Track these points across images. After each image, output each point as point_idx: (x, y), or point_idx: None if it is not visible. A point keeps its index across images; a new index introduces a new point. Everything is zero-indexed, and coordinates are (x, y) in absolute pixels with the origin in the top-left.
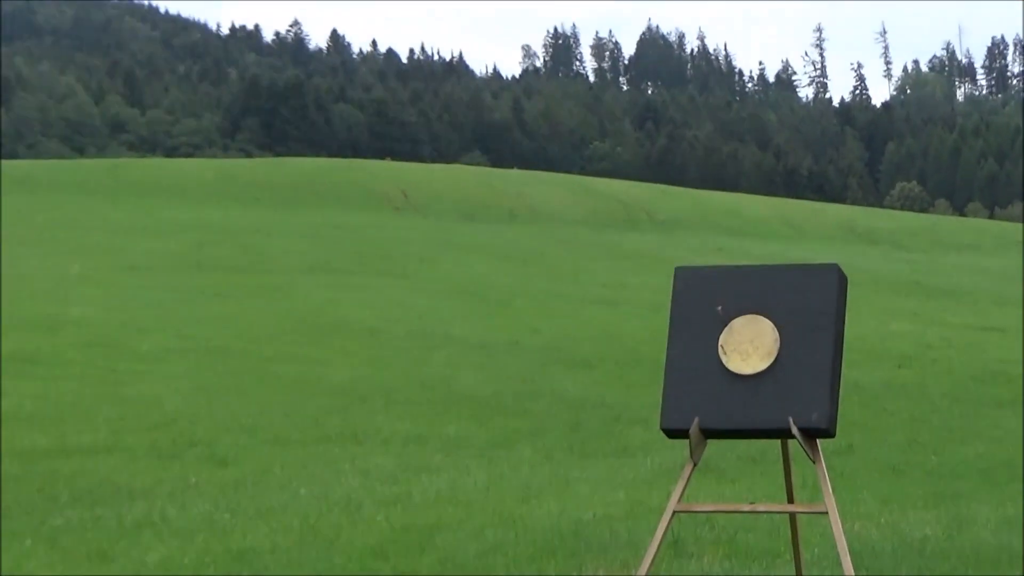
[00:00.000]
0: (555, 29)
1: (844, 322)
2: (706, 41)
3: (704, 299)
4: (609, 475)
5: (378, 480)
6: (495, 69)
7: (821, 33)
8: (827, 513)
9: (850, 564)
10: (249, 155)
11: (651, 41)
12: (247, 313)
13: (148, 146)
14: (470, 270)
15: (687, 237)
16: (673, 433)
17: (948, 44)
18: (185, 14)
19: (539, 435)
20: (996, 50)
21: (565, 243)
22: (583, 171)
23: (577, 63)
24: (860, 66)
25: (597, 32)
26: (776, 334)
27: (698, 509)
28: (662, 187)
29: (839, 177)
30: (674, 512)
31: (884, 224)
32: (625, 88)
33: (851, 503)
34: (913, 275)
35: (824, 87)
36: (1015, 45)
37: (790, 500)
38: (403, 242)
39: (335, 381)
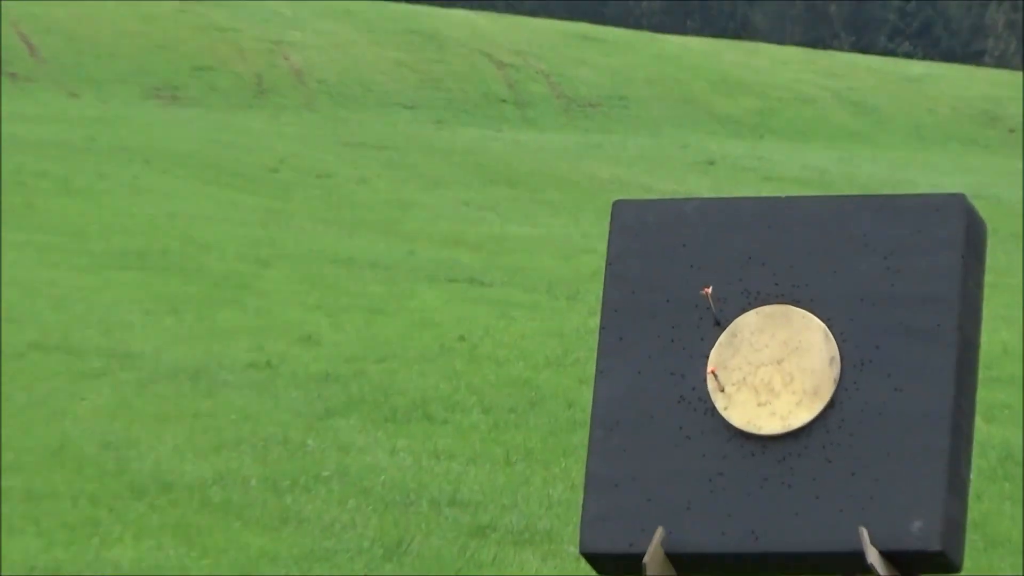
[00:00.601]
0: None
1: (980, 319)
2: None
3: (672, 269)
4: None
5: None
6: None
7: None
8: None
9: None
10: None
11: None
12: None
13: None
14: (166, 207)
15: (639, 134)
16: (605, 562)
17: None
18: None
19: (323, 566)
20: None
21: (373, 149)
22: None
23: None
24: None
25: None
26: (832, 348)
27: None
28: (586, 27)
29: (962, 14)
30: None
31: None
32: None
33: None
34: None
35: None
36: None
37: None
38: (27, 146)
39: None
